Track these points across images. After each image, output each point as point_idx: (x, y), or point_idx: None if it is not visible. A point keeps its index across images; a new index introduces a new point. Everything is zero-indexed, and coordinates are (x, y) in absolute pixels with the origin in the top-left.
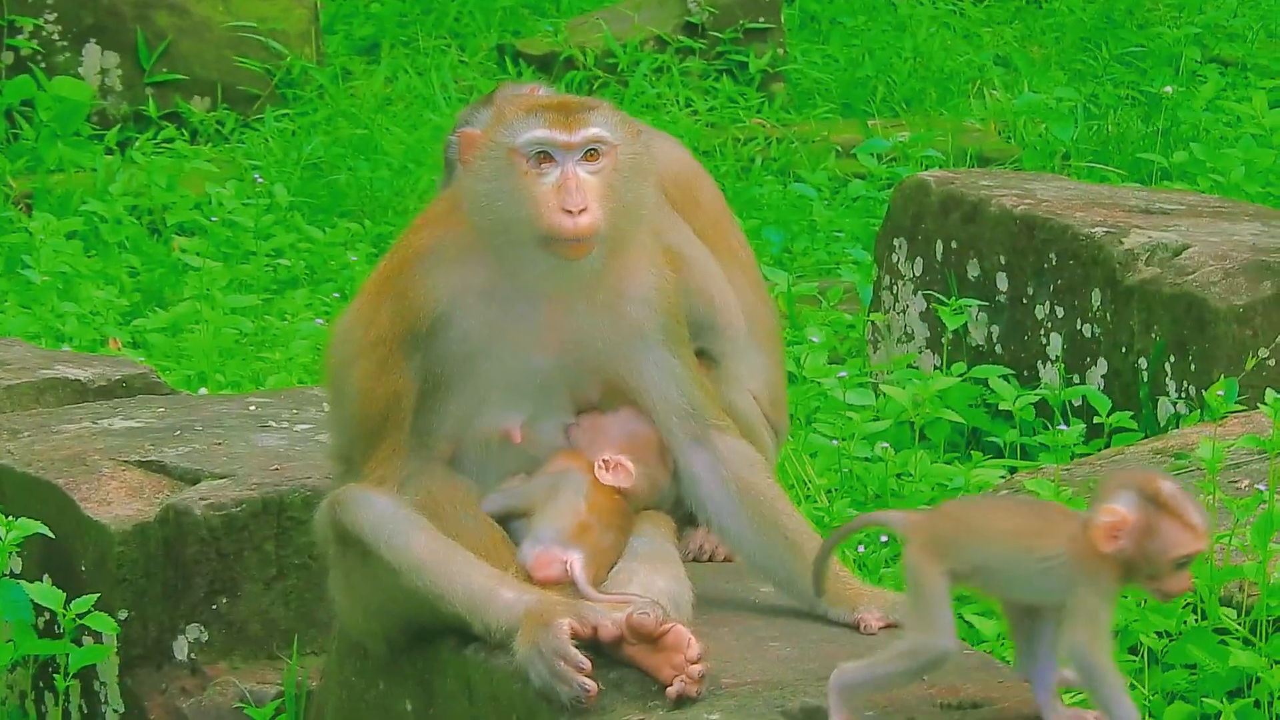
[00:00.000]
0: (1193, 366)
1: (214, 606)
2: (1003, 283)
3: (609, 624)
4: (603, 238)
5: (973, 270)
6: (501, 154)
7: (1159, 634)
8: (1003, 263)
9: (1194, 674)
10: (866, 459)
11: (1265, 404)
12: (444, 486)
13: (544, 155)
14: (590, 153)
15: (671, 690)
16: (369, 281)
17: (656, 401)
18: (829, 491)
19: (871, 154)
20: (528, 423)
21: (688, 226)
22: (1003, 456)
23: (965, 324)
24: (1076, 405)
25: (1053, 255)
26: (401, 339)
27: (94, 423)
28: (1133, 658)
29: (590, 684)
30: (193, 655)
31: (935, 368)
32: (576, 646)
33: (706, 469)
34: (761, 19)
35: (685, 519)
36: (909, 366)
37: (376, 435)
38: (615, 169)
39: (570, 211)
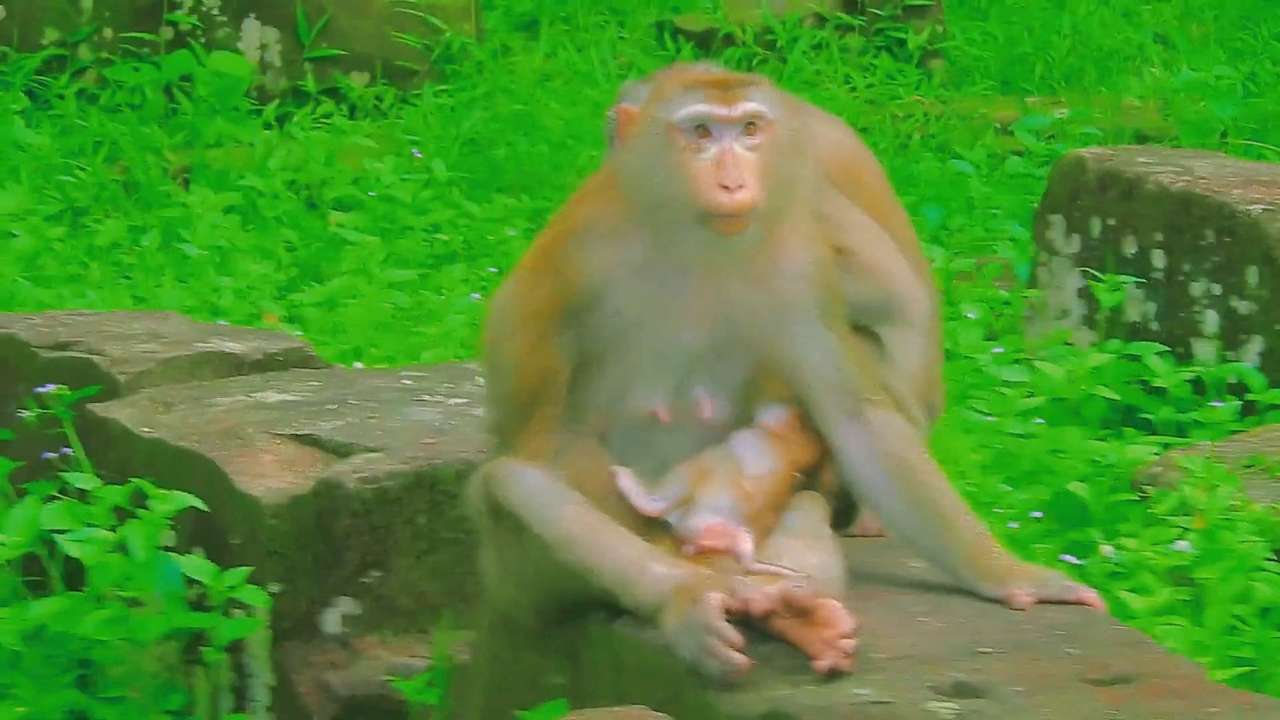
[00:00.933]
0: None
1: (364, 580)
2: (1159, 260)
3: (759, 599)
4: (760, 214)
5: (1129, 247)
6: (659, 129)
7: None
8: (1159, 240)
9: None
10: (1020, 435)
11: None
12: (594, 462)
13: (702, 130)
14: (749, 127)
15: (822, 664)
16: (526, 256)
17: (809, 376)
18: (982, 468)
19: (1030, 131)
20: (676, 400)
21: (857, 207)
22: (1156, 434)
23: (1121, 301)
24: (1232, 383)
25: (1209, 232)
26: (557, 313)
27: (248, 396)
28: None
29: (741, 659)
30: (343, 629)
31: (1091, 345)
32: (726, 621)
33: (860, 444)
34: None
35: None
36: (1064, 344)
37: (530, 409)
38: (773, 145)
39: (728, 188)
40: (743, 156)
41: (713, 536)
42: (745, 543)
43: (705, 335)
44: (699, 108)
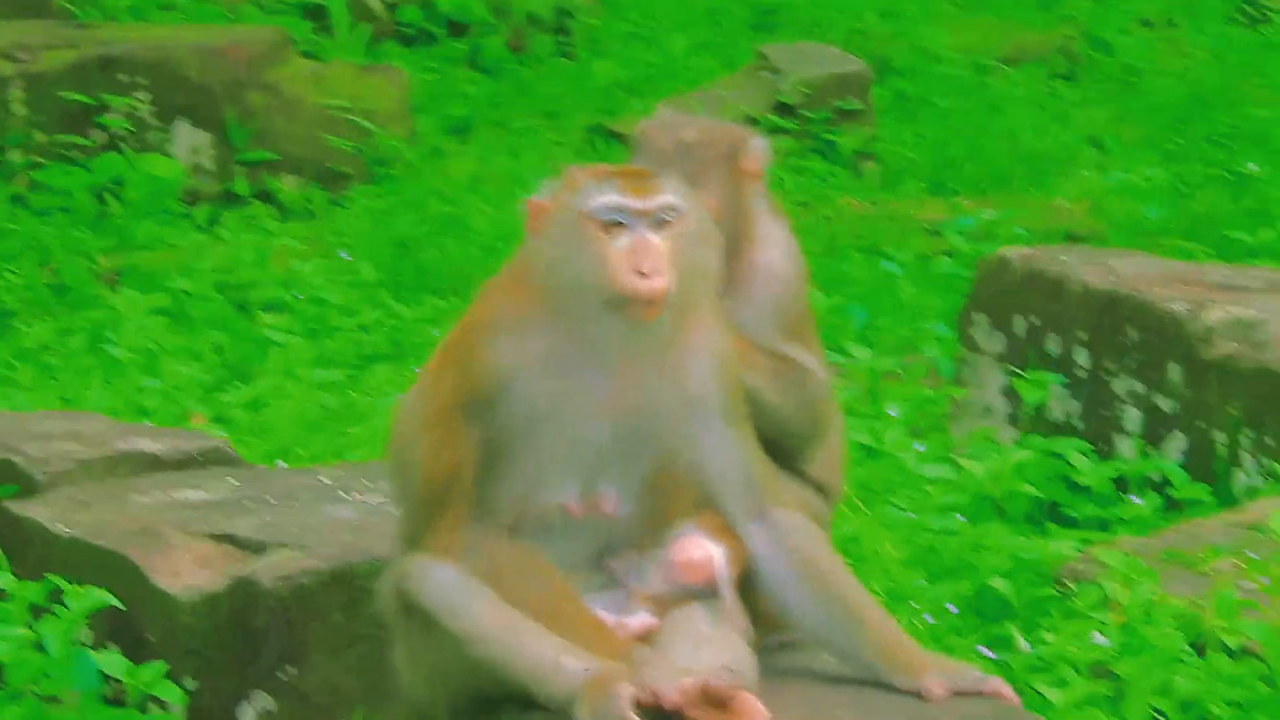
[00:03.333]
0: (1269, 440)
1: (281, 676)
2: (1082, 358)
3: (671, 691)
4: (671, 303)
5: (1053, 345)
6: (572, 219)
7: (1229, 703)
8: (1083, 338)
9: None
10: (942, 531)
11: None
12: (507, 552)
13: (615, 221)
14: (661, 220)
15: None
16: (433, 356)
17: (713, 476)
18: (903, 564)
19: (958, 231)
20: (583, 494)
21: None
22: (1079, 529)
23: (1045, 398)
24: (1155, 479)
25: (1132, 331)
26: (464, 408)
27: (165, 494)
28: None
29: None
30: None
31: (1014, 442)
32: (639, 713)
33: (766, 544)
34: (852, 98)
35: None
36: (988, 441)
37: (439, 506)
38: (683, 235)
39: (643, 274)
40: (655, 245)
41: (684, 550)
42: (720, 563)
43: (612, 427)
44: (614, 198)
